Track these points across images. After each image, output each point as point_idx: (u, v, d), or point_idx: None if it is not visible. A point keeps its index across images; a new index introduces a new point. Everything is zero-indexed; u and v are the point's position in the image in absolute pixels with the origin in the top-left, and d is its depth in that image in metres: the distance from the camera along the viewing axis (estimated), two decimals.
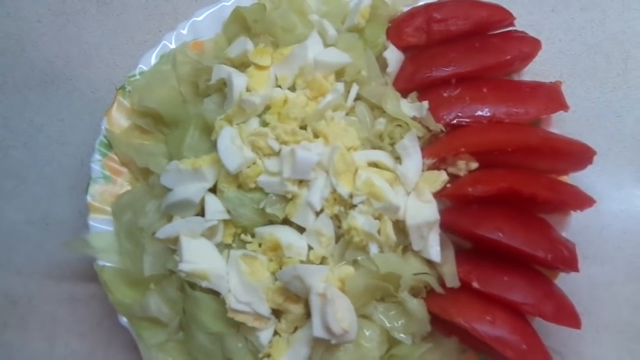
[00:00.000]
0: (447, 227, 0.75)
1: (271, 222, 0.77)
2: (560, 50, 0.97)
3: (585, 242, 0.84)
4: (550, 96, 0.80)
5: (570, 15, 0.99)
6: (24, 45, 1.00)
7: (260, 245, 0.76)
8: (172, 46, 0.89)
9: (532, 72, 0.85)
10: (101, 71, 0.99)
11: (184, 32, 0.89)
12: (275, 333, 0.74)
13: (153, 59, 0.88)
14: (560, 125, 0.82)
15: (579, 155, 0.76)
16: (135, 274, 0.78)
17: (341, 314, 0.68)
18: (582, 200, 0.73)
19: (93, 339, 0.87)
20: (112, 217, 0.82)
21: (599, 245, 0.87)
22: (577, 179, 0.79)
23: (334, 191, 0.74)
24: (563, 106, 0.79)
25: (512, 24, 0.85)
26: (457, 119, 0.78)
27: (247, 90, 0.79)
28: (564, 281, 0.74)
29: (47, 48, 1.00)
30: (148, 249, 0.77)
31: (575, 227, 0.77)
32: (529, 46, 0.82)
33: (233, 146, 0.76)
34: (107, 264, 0.79)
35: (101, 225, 0.82)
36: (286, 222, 0.76)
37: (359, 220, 0.73)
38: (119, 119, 0.86)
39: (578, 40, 0.98)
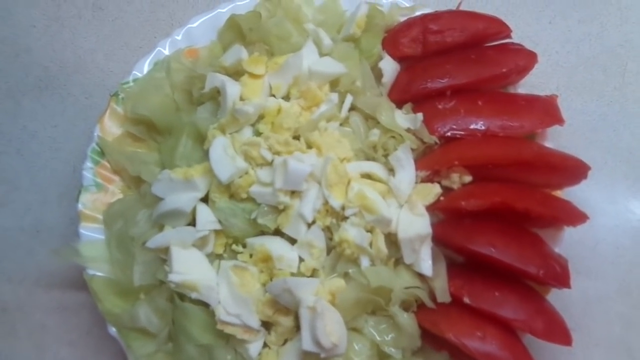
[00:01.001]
0: (439, 240, 0.74)
1: (263, 233, 0.76)
2: (557, 62, 0.97)
3: (579, 256, 0.84)
4: (546, 110, 0.80)
5: (568, 27, 0.99)
6: (18, 50, 1.00)
7: (251, 256, 0.75)
8: (167, 52, 0.88)
9: (529, 84, 0.85)
10: (96, 77, 0.99)
11: (179, 38, 0.89)
12: (265, 345, 0.74)
13: (147, 66, 0.87)
14: (556, 138, 0.82)
15: (573, 170, 0.76)
16: (125, 284, 0.77)
17: (331, 328, 0.67)
18: (576, 216, 0.73)
19: (82, 348, 0.86)
20: (103, 225, 0.81)
21: (592, 260, 0.86)
22: (572, 192, 0.79)
23: (326, 203, 0.74)
24: (558, 120, 0.79)
25: (508, 36, 0.84)
26: (451, 132, 0.78)
27: (241, 99, 0.79)
28: (556, 296, 0.73)
29: (41, 53, 1.00)
30: (138, 258, 0.76)
31: (568, 241, 0.76)
32: (525, 59, 0.82)
33: (225, 156, 0.75)
34: (97, 273, 0.79)
35: (92, 233, 0.81)
36: (278, 232, 0.76)
37: (351, 232, 0.72)
38: (111, 127, 0.85)
39: (575, 53, 0.98)
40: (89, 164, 0.83)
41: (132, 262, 0.77)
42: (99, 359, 0.85)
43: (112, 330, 0.77)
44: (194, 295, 0.72)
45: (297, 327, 0.71)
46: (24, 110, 0.98)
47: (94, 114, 0.92)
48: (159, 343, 0.76)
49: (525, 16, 1.00)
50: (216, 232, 0.76)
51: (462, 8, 0.88)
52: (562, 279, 0.70)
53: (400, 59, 0.85)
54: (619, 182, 0.90)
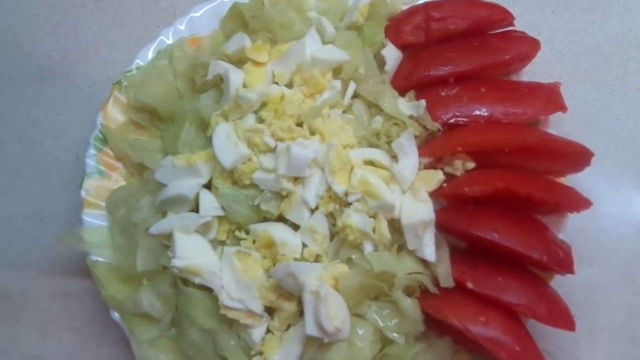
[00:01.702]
0: (442, 226, 0.74)
1: (265, 219, 0.77)
2: (560, 51, 0.97)
3: (582, 244, 0.83)
4: (549, 97, 0.80)
5: (571, 16, 0.99)
6: (20, 39, 1.00)
7: (254, 242, 0.75)
8: (170, 41, 0.88)
9: (531, 72, 0.85)
10: (98, 66, 0.99)
11: (182, 27, 0.89)
12: (268, 330, 0.74)
13: (150, 54, 0.87)
14: (559, 126, 0.82)
15: (576, 156, 0.76)
16: (128, 270, 0.77)
17: (334, 313, 0.67)
18: (579, 202, 0.73)
19: (85, 334, 0.86)
20: (106, 212, 0.81)
21: (595, 249, 0.86)
22: (575, 181, 0.79)
23: (329, 189, 0.74)
24: (561, 107, 0.79)
25: (511, 24, 0.84)
26: (454, 118, 0.78)
27: (244, 86, 0.79)
28: (559, 283, 0.73)
29: (44, 42, 1.00)
30: (141, 244, 0.76)
31: (571, 229, 0.76)
32: (528, 46, 0.82)
33: (228, 142, 0.75)
34: (100, 259, 0.79)
35: (95, 220, 0.81)
36: (281, 219, 0.76)
37: (354, 218, 0.72)
38: (114, 114, 0.85)
39: (578, 42, 0.97)
40: (91, 151, 0.83)
41: (135, 248, 0.77)
42: (102, 345, 0.85)
43: (116, 315, 0.77)
44: (197, 280, 0.72)
45: (300, 313, 0.71)
46: (26, 99, 0.98)
47: (96, 102, 0.93)
48: (162, 328, 0.76)
49: (528, 5, 0.99)
50: (219, 218, 0.77)
51: None
52: (565, 264, 0.70)
53: (403, 46, 0.85)
54: (622, 171, 0.90)
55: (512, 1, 0.98)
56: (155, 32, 0.94)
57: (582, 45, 0.97)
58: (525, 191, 0.71)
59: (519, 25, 0.84)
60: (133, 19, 1.01)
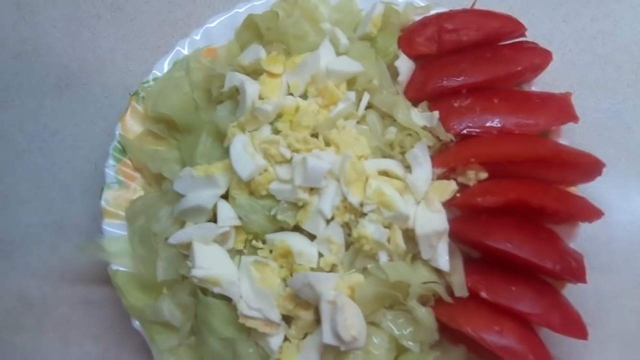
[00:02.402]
0: (456, 236, 0.75)
1: (282, 229, 0.78)
2: (570, 60, 0.98)
3: (593, 253, 0.84)
4: (560, 107, 0.81)
5: (582, 25, 1.00)
6: (39, 50, 1.02)
7: (271, 251, 0.77)
8: (185, 52, 0.90)
9: (543, 82, 0.86)
10: (115, 76, 1.00)
11: (197, 38, 0.90)
12: (286, 339, 0.75)
13: (166, 65, 0.89)
14: (570, 135, 0.83)
15: (587, 167, 0.77)
16: (148, 279, 0.79)
17: (351, 322, 0.69)
18: (591, 212, 0.74)
19: (106, 342, 0.88)
20: (126, 222, 0.83)
21: (607, 257, 0.87)
22: (586, 189, 0.80)
23: (344, 199, 0.75)
24: (573, 118, 0.80)
25: (523, 35, 0.85)
26: (467, 129, 0.79)
27: (260, 97, 0.80)
28: (571, 291, 0.74)
29: (61, 53, 1.01)
30: (161, 254, 0.78)
31: (583, 237, 0.77)
32: (539, 57, 0.83)
33: (245, 154, 0.77)
34: (120, 268, 0.81)
35: (115, 229, 0.83)
36: (297, 229, 0.77)
37: (369, 228, 0.74)
38: (132, 125, 0.87)
39: (589, 51, 0.98)
40: (111, 161, 0.85)
41: (154, 257, 0.78)
42: (122, 352, 0.87)
43: (136, 324, 0.79)
44: (216, 289, 0.74)
45: (317, 321, 0.73)
46: (45, 109, 0.99)
47: (114, 112, 0.95)
48: (181, 337, 0.77)
49: (539, 14, 1.00)
50: (237, 228, 0.78)
51: (476, 7, 0.88)
52: (578, 273, 0.71)
53: (415, 57, 0.86)
54: (633, 179, 0.91)
55: (523, 10, 1.00)
56: (171, 42, 0.95)
57: (592, 54, 0.98)
58: (538, 202, 0.72)
59: (529, 35, 0.85)
60: (149, 29, 1.02)
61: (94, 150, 0.95)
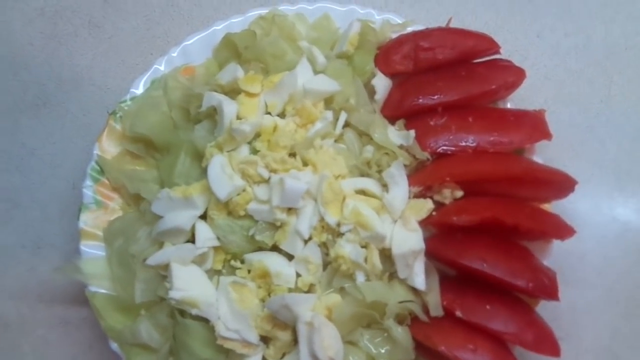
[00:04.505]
0: (432, 254, 0.76)
1: (260, 249, 0.78)
2: (545, 75, 0.99)
3: (567, 267, 0.86)
4: (534, 125, 0.82)
5: (556, 41, 1.01)
6: (16, 68, 1.01)
7: (249, 271, 0.77)
8: (163, 69, 0.90)
9: (518, 97, 0.87)
10: (93, 94, 1.00)
11: (175, 55, 0.90)
12: (264, 359, 0.76)
13: (144, 84, 0.89)
14: (544, 150, 0.84)
15: (560, 184, 0.78)
16: (127, 300, 0.79)
17: (328, 342, 0.69)
18: (564, 230, 0.75)
19: None
20: (104, 243, 0.82)
21: (581, 271, 0.88)
22: (560, 204, 0.81)
23: (322, 219, 0.76)
24: (546, 135, 0.81)
25: (497, 52, 0.86)
26: (443, 148, 0.80)
27: (238, 117, 0.80)
28: (545, 306, 0.76)
29: (39, 71, 1.01)
30: (139, 275, 0.78)
31: (557, 252, 0.79)
32: (513, 76, 0.84)
33: (223, 174, 0.77)
34: (98, 290, 0.80)
35: (93, 250, 0.82)
36: (275, 248, 0.77)
37: (346, 248, 0.74)
38: (110, 145, 0.86)
39: (563, 66, 1.00)
40: (88, 182, 0.84)
41: (133, 279, 0.78)
42: None
43: (114, 345, 0.78)
44: (194, 311, 0.74)
45: (295, 341, 0.73)
46: (22, 127, 0.99)
47: (92, 130, 0.94)
48: (160, 358, 0.77)
49: (514, 30, 1.02)
50: (215, 248, 0.78)
51: (452, 24, 0.89)
52: (550, 291, 0.72)
53: (392, 75, 0.87)
54: (606, 193, 0.93)
55: (498, 26, 1.02)
56: (149, 59, 0.95)
57: (566, 69, 1.00)
58: (512, 221, 0.74)
59: (505, 50, 0.86)
60: (126, 47, 1.02)
61: (72, 169, 0.95)
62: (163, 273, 0.78)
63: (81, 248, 0.82)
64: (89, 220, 0.83)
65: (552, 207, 0.81)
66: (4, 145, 0.98)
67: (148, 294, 0.78)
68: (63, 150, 0.98)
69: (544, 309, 0.76)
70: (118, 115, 0.87)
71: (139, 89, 0.89)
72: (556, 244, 0.78)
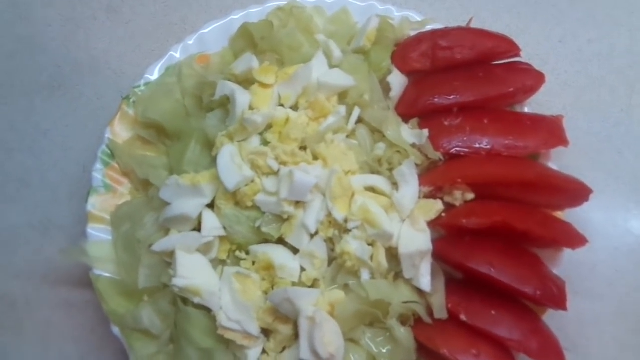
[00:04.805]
0: (439, 256, 0.75)
1: (266, 241, 0.78)
2: (565, 82, 0.98)
3: (577, 277, 0.84)
4: (551, 131, 0.80)
5: (578, 47, 0.99)
6: (33, 49, 1.02)
7: (253, 263, 0.77)
8: (179, 57, 0.89)
9: (536, 102, 0.85)
10: (108, 78, 1.00)
11: (191, 43, 0.90)
12: (264, 352, 0.75)
13: (158, 70, 0.89)
14: (560, 157, 0.82)
15: (575, 193, 0.76)
16: (130, 285, 0.79)
17: (329, 338, 0.69)
18: (575, 239, 0.74)
19: (86, 345, 0.88)
20: (111, 227, 0.82)
21: (591, 282, 0.87)
22: (573, 213, 0.79)
23: (329, 214, 0.75)
24: (563, 142, 0.80)
25: (517, 55, 0.85)
26: (456, 149, 0.79)
27: (250, 107, 0.80)
28: (552, 316, 0.74)
29: (55, 53, 1.01)
30: (144, 261, 0.77)
31: (568, 262, 0.77)
32: (532, 79, 0.82)
33: (232, 164, 0.77)
34: (103, 273, 0.80)
35: (100, 234, 0.82)
36: (281, 241, 0.77)
37: (353, 245, 0.73)
38: (122, 129, 0.87)
39: (584, 73, 0.98)
40: (98, 165, 0.85)
41: (137, 264, 0.78)
42: (102, 356, 0.87)
43: (116, 329, 0.78)
44: (196, 300, 0.74)
45: (296, 336, 0.73)
46: (36, 108, 0.99)
47: (104, 114, 0.94)
48: (160, 345, 0.77)
49: (535, 34, 1.00)
50: (221, 238, 0.78)
51: (473, 25, 0.88)
52: (558, 300, 0.71)
53: (408, 73, 0.86)
54: (621, 205, 0.91)
55: (520, 29, 1.00)
56: (165, 46, 0.95)
57: (587, 76, 0.98)
58: (523, 226, 0.72)
59: (525, 54, 0.85)
60: (143, 32, 1.02)
61: (84, 152, 0.95)
62: (168, 260, 0.78)
63: (88, 231, 0.82)
64: (97, 204, 0.84)
65: (565, 215, 0.79)
66: (18, 125, 0.99)
67: (152, 280, 0.77)
68: (75, 132, 0.98)
69: (551, 318, 0.74)
70: (131, 100, 0.87)
71: (154, 75, 0.89)
72: (567, 253, 0.77)
